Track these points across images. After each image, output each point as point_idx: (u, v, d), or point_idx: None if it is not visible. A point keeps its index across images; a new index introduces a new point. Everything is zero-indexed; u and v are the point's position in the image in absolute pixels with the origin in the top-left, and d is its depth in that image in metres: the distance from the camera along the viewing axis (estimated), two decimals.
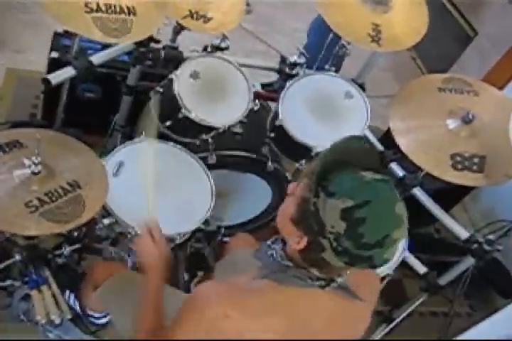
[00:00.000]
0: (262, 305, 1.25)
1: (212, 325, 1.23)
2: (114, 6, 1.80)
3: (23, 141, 1.75)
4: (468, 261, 2.23)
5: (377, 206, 1.13)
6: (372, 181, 1.15)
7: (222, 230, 2.30)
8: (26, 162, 1.63)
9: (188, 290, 1.81)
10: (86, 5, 1.74)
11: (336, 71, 2.53)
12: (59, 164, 1.72)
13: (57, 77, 2.05)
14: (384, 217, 1.14)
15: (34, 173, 1.64)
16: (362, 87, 2.47)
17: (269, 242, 1.37)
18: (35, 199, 1.61)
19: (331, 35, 2.49)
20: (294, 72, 2.44)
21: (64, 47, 2.57)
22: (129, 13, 1.82)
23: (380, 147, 2.48)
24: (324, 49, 2.69)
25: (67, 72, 2.07)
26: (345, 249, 1.14)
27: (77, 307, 1.95)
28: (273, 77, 2.88)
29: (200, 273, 1.84)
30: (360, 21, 2.23)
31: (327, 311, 1.30)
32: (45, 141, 1.73)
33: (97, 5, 1.76)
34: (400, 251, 2.15)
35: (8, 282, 2.00)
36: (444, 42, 3.62)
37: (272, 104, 2.57)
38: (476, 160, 2.04)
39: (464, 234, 2.23)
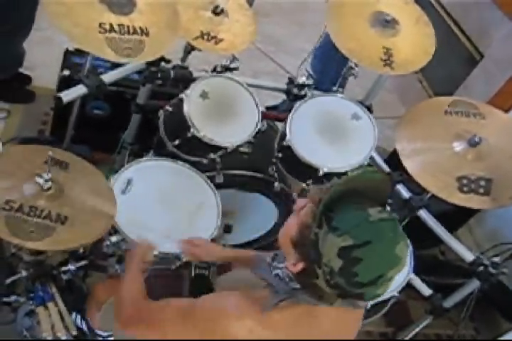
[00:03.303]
0: (283, 319, 1.28)
1: (236, 337, 1.25)
2: (128, 27, 1.82)
3: (70, 163, 1.80)
4: (474, 284, 2.22)
5: (376, 247, 1.14)
6: (376, 221, 1.16)
7: None
8: (37, 179, 1.65)
9: None
10: (100, 25, 1.77)
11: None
12: (71, 197, 1.72)
13: (68, 94, 2.07)
14: (381, 258, 1.15)
15: (44, 189, 1.66)
16: (369, 108, 2.49)
17: (268, 259, 1.37)
18: (17, 203, 1.61)
19: (337, 58, 2.51)
20: (302, 93, 2.46)
21: (75, 65, 2.61)
22: (142, 34, 1.84)
23: (386, 168, 2.49)
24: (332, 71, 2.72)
25: (78, 90, 2.09)
26: (336, 284, 1.16)
27: (84, 327, 1.95)
28: (281, 97, 2.92)
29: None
30: (371, 46, 2.25)
31: (337, 324, 1.34)
32: (87, 174, 1.81)
33: (111, 25, 1.79)
34: (406, 273, 2.15)
35: (13, 298, 2.00)
36: (451, 65, 3.65)
37: (279, 125, 2.59)
38: (482, 182, 2.05)
39: (469, 256, 2.22)
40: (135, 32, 1.82)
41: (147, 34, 1.86)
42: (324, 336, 1.34)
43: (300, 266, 1.21)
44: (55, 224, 1.63)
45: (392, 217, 1.19)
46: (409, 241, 2.12)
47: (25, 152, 1.82)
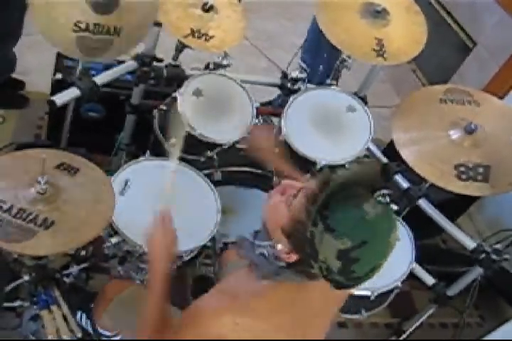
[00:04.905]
0: (267, 306, 1.27)
1: (223, 336, 1.22)
2: (103, 27, 1.82)
3: (82, 169, 1.76)
4: (476, 271, 2.22)
5: (373, 245, 1.15)
6: (373, 219, 1.15)
7: (229, 246, 2.30)
8: (38, 179, 1.63)
9: None
10: (76, 24, 1.78)
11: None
12: (68, 203, 1.68)
13: (62, 97, 2.07)
14: (377, 253, 1.17)
15: (39, 192, 1.64)
16: (364, 100, 2.48)
17: (250, 238, 1.36)
18: (7, 204, 1.59)
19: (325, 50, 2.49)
20: (295, 87, 2.46)
21: (67, 68, 2.60)
22: (113, 34, 1.85)
23: (383, 159, 2.49)
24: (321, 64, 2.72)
25: (71, 93, 2.09)
26: (335, 280, 1.17)
27: (89, 327, 1.94)
28: (275, 92, 2.91)
29: None
30: (363, 37, 2.25)
31: (322, 297, 1.36)
32: (94, 181, 1.77)
33: (87, 25, 1.79)
34: (408, 263, 2.16)
35: (17, 303, 2.00)
36: (444, 54, 3.64)
37: (274, 120, 2.59)
38: (480, 169, 2.04)
39: (470, 244, 2.22)
40: (108, 32, 1.83)
41: (118, 34, 1.86)
42: (316, 311, 1.36)
43: (294, 257, 1.21)
44: (39, 228, 1.59)
45: (386, 207, 1.18)
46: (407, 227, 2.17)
47: (35, 155, 1.77)
